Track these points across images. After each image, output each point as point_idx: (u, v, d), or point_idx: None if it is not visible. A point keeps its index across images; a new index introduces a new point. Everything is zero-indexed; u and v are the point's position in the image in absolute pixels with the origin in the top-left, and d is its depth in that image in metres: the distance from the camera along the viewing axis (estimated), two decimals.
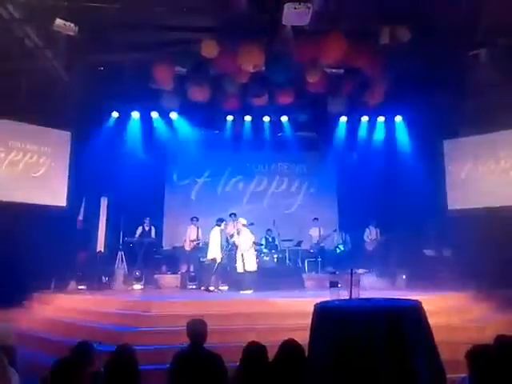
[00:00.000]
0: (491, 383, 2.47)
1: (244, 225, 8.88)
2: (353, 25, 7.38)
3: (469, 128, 9.29)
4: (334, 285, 2.74)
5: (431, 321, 2.48)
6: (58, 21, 6.13)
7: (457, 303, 7.11)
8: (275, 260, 9.94)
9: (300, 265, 10.24)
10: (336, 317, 2.05)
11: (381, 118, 10.82)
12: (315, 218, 10.67)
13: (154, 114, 10.49)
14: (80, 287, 9.05)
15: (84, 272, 9.34)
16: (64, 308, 7.38)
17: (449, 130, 9.77)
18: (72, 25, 6.26)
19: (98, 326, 6.24)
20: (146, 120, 10.56)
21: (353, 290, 2.91)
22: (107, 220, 10.37)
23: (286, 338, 2.97)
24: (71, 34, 6.52)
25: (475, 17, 7.03)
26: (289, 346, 2.86)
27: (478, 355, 2.56)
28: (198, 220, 9.97)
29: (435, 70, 8.55)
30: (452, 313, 6.38)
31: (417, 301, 2.34)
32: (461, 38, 7.48)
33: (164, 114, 10.45)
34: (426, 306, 2.58)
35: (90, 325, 6.34)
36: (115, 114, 10.24)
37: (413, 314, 2.15)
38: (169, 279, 9.75)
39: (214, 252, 8.91)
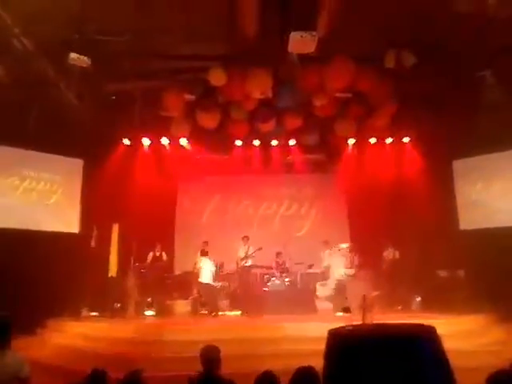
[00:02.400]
0: None
1: (340, 249, 8.95)
2: (358, 49, 7.53)
3: (478, 148, 9.29)
4: (346, 311, 2.72)
5: (446, 345, 2.44)
6: (73, 54, 6.36)
7: (472, 326, 6.96)
8: (286, 283, 9.86)
9: (311, 288, 10.12)
10: (349, 344, 2.03)
11: (389, 140, 10.86)
12: (325, 241, 10.60)
13: (165, 141, 10.67)
14: (92, 314, 9.05)
15: (96, 298, 9.36)
16: (77, 335, 7.38)
17: (458, 150, 9.77)
18: (85, 58, 6.49)
19: (110, 354, 6.21)
20: (156, 146, 10.74)
21: (366, 315, 2.89)
22: (119, 246, 10.43)
23: (301, 365, 2.94)
24: (84, 65, 6.74)
25: (480, 38, 7.13)
26: (303, 374, 2.83)
27: (498, 381, 2.50)
28: (207, 244, 10.01)
29: (442, 91, 8.64)
30: (468, 336, 6.25)
31: (431, 326, 2.32)
32: (466, 60, 7.57)
33: (174, 141, 10.63)
34: (440, 330, 2.55)
35: (102, 352, 6.31)
36: (126, 142, 10.44)
37: (428, 340, 2.12)
38: (180, 305, 9.69)
39: None
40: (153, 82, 8.65)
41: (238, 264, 9.95)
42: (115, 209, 10.26)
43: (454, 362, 2.95)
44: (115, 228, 10.47)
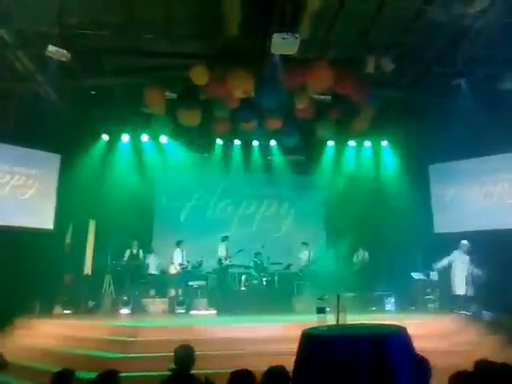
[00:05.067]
0: None
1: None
2: (339, 53, 7.65)
3: (453, 153, 9.54)
4: (321, 311, 2.76)
5: (419, 345, 2.51)
6: (51, 47, 6.24)
7: (445, 327, 7.14)
8: (264, 283, 9.92)
9: (289, 288, 10.21)
10: (322, 343, 2.09)
11: (367, 143, 11.06)
12: (304, 243, 10.71)
13: (144, 137, 10.57)
14: (66, 311, 8.90)
15: (70, 296, 9.21)
16: (48, 334, 7.21)
17: (433, 155, 10.02)
18: (64, 51, 6.37)
19: (83, 353, 6.11)
20: (135, 143, 10.63)
21: (340, 315, 2.93)
22: (95, 243, 10.28)
23: (274, 364, 2.97)
24: (63, 59, 6.61)
25: (454, 48, 7.33)
26: (275, 372, 2.86)
27: (459, 381, 2.58)
28: (182, 243, 10.00)
29: (419, 97, 8.85)
30: (440, 337, 6.41)
31: (402, 326, 2.39)
32: (443, 67, 7.77)
33: (154, 137, 10.54)
34: (414, 331, 2.62)
35: (75, 351, 6.21)
36: (105, 137, 10.29)
37: (398, 339, 2.19)
38: (157, 303, 9.62)
39: None
40: (133, 78, 8.56)
41: (220, 263, 9.96)
42: (92, 205, 10.10)
43: (432, 360, 3.05)
44: (92, 224, 10.30)
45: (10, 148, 9.04)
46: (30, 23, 6.61)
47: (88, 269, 10.10)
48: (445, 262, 8.81)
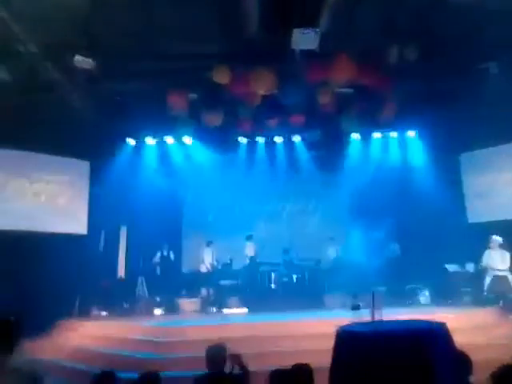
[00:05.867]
0: None
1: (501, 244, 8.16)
2: (361, 45, 7.49)
3: (484, 140, 9.21)
4: (356, 307, 2.72)
5: (456, 339, 2.44)
6: (78, 57, 6.40)
7: (482, 320, 6.93)
8: (294, 280, 9.89)
9: (320, 284, 10.14)
10: (359, 342, 2.05)
11: (393, 134, 10.81)
12: (331, 238, 10.60)
13: (169, 140, 10.70)
14: (102, 313, 9.14)
15: (106, 298, 9.45)
16: (87, 335, 7.45)
17: (464, 143, 9.70)
18: (90, 60, 6.52)
19: (120, 353, 6.27)
20: (161, 146, 10.78)
21: (375, 312, 2.89)
22: (127, 246, 10.51)
23: (306, 361, 2.95)
24: (89, 68, 6.77)
25: (481, 32, 7.07)
26: (297, 371, 2.83)
27: (503, 376, 2.49)
28: (212, 243, 10.08)
29: (446, 84, 8.57)
30: (477, 331, 6.21)
31: (442, 323, 2.32)
32: (469, 52, 7.51)
33: (179, 140, 10.66)
34: (450, 324, 2.55)
35: (112, 352, 6.38)
36: (131, 142, 10.49)
37: (438, 337, 2.13)
38: (189, 303, 9.77)
39: None
40: (156, 81, 8.66)
41: (250, 261, 10.01)
42: (122, 209, 10.33)
43: (471, 355, 2.95)
44: (123, 229, 10.55)
45: (43, 157, 9.35)
46: (55, 34, 6.80)
47: (121, 271, 10.35)
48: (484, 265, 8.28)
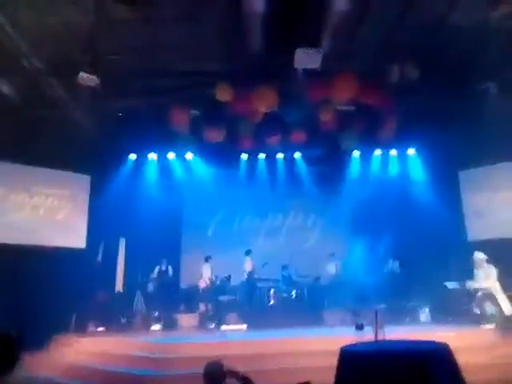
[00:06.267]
0: None
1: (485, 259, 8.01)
2: (362, 64, 7.62)
3: (483, 158, 9.30)
4: (359, 327, 2.72)
5: (461, 359, 2.42)
6: (82, 74, 6.48)
7: (485, 339, 6.88)
8: (293, 296, 9.83)
9: (319, 301, 10.07)
10: (362, 362, 2.05)
11: (393, 152, 10.91)
12: (331, 254, 10.59)
13: (171, 155, 10.76)
14: (99, 329, 9.04)
15: (103, 313, 9.36)
16: (84, 351, 7.35)
17: (463, 161, 9.78)
18: (94, 77, 6.60)
19: (116, 370, 6.19)
20: (162, 161, 10.84)
21: (378, 331, 2.89)
22: (125, 261, 10.47)
23: (306, 380, 2.93)
24: (92, 84, 6.86)
25: (482, 50, 7.20)
26: None
27: None
28: (211, 258, 10.05)
29: (446, 103, 8.69)
30: (481, 349, 6.16)
31: (444, 344, 2.32)
32: (469, 72, 7.64)
33: (180, 155, 10.72)
34: (451, 343, 2.54)
35: (109, 369, 6.29)
36: (133, 157, 10.54)
37: (441, 357, 2.13)
38: (187, 319, 9.67)
39: None
40: (159, 98, 8.76)
41: (248, 277, 9.96)
42: (122, 223, 10.32)
43: (473, 375, 2.93)
44: (122, 243, 10.51)
45: (44, 171, 9.37)
46: (59, 51, 6.91)
47: (119, 286, 10.27)
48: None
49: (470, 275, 8.98)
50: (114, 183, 10.01)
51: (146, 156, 10.66)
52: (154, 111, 9.10)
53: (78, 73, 6.50)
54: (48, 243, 9.13)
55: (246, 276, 10.06)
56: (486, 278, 7.97)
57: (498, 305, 7.66)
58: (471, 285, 8.17)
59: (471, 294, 8.65)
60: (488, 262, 8.06)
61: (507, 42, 6.81)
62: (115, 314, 9.48)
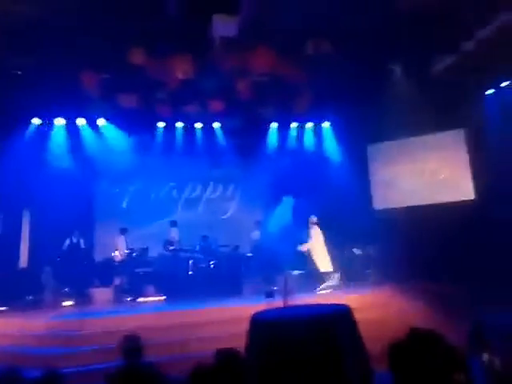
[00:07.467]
0: (408, 377, 2.68)
1: (316, 223, 8.98)
2: (279, 37, 7.62)
3: (390, 133, 10.04)
4: (269, 295, 2.84)
5: (358, 316, 2.65)
6: None
7: (380, 298, 7.60)
8: (212, 266, 9.93)
9: (237, 270, 10.28)
10: (270, 328, 2.15)
11: (309, 124, 11.33)
12: (257, 221, 10.77)
13: (81, 121, 10.01)
14: (1, 308, 8.40)
15: (5, 291, 8.67)
16: None
17: (372, 135, 10.46)
18: None
19: (25, 351, 5.83)
20: (71, 127, 10.06)
21: (287, 297, 3.04)
22: (30, 234, 9.71)
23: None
24: None
25: (387, 34, 7.57)
26: (224, 355, 2.89)
27: (394, 350, 2.76)
28: (126, 230, 9.74)
29: (357, 80, 9.11)
30: (377, 308, 6.82)
31: (346, 305, 2.52)
32: (377, 52, 8.03)
33: (91, 121, 10.03)
34: (353, 304, 2.76)
35: (16, 350, 5.91)
36: (36, 121, 9.63)
37: (342, 318, 2.31)
38: (102, 293, 9.33)
39: None
40: (66, 57, 8.00)
41: (165, 248, 9.79)
42: (26, 194, 9.50)
43: (367, 331, 3.23)
44: (26, 215, 9.70)
45: None
46: None
47: (24, 261, 9.55)
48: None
49: (373, 241, 9.86)
50: (14, 150, 9.10)
51: (52, 121, 9.79)
52: (60, 72, 8.32)
53: None
54: None
55: (164, 247, 9.89)
56: (310, 238, 9.00)
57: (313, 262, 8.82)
58: (302, 246, 9.11)
59: (374, 258, 9.57)
60: (318, 224, 9.11)
61: (410, 22, 7.20)
62: (19, 292, 8.84)
